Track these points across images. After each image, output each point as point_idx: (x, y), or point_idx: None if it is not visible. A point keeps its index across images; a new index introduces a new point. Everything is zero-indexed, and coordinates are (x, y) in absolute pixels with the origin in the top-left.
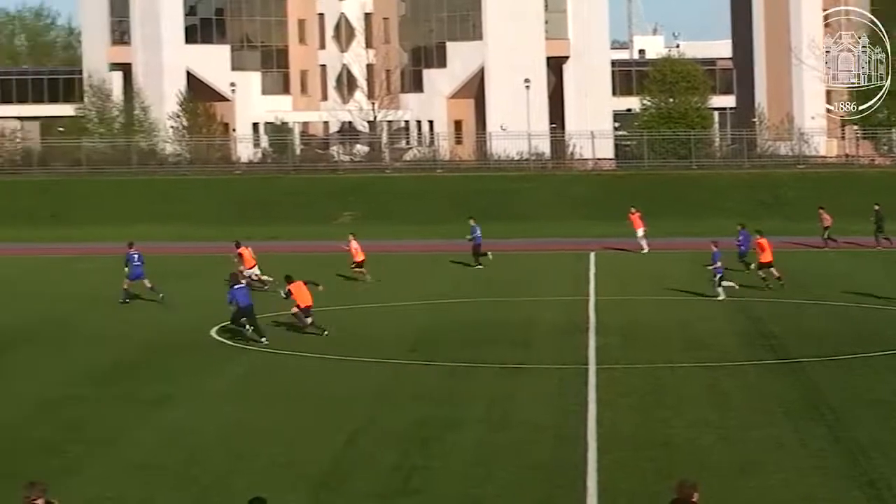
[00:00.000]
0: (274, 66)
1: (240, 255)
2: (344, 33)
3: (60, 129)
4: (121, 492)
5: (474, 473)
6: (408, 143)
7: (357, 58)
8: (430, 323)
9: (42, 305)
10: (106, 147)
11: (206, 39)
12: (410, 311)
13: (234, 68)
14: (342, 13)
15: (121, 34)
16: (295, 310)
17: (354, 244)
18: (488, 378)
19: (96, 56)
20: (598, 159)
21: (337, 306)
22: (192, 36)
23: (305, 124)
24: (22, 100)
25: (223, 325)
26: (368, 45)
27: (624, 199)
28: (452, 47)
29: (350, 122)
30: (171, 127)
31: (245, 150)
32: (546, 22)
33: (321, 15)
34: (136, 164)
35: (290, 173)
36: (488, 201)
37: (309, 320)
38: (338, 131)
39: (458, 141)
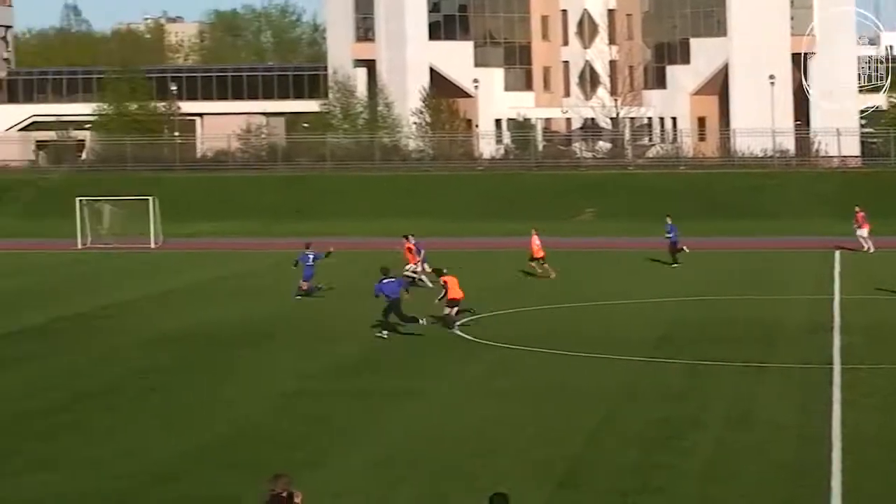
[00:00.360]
0: (517, 63)
1: (408, 249)
2: (587, 29)
3: (305, 124)
4: (363, 486)
5: (716, 473)
6: (650, 140)
7: (600, 54)
8: (673, 320)
9: (288, 299)
10: (350, 143)
11: (450, 36)
12: (655, 309)
13: (476, 65)
14: (585, 9)
15: (365, 31)
16: (443, 303)
17: (536, 241)
18: (731, 376)
19: (341, 52)
20: (844, 157)
21: (583, 303)
22: (435, 32)
23: (548, 121)
24: (268, 96)
25: (466, 320)
26: (611, 41)
27: (870, 197)
28: (696, 43)
29: (592, 119)
30: (415, 123)
31: (487, 147)
32: (791, 18)
33: (564, 11)
34: (380, 159)
35: (532, 170)
36: (732, 199)
37: (455, 310)
38: (580, 128)
39: (702, 138)
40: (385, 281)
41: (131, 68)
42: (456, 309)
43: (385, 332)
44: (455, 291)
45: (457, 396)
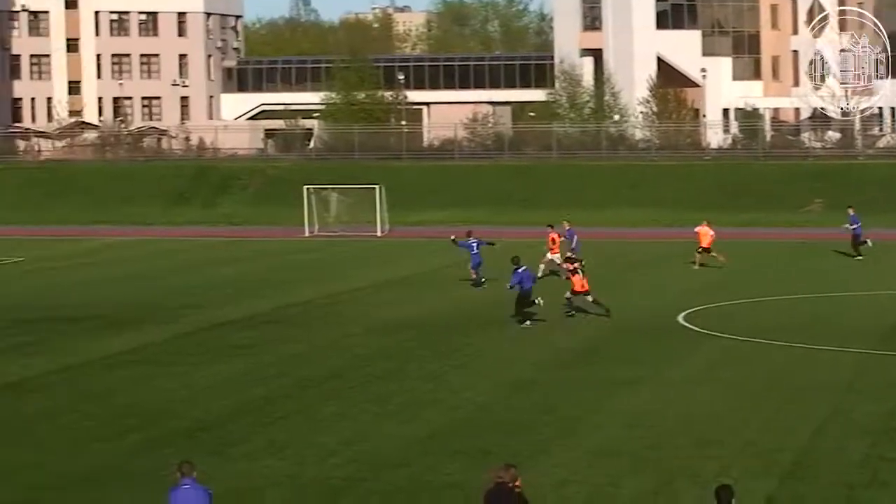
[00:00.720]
0: (745, 52)
1: (552, 239)
2: (817, 18)
3: (531, 113)
4: (587, 475)
5: None
6: (881, 129)
7: (830, 43)
8: None
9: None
10: (576, 132)
11: (678, 25)
12: (880, 301)
13: (704, 54)
14: None
15: (592, 20)
16: (569, 294)
17: (710, 231)
18: None
19: (568, 42)
20: None
21: (808, 294)
22: (663, 22)
23: (776, 110)
24: (494, 85)
25: (690, 311)
26: (842, 29)
27: None
28: None
29: (822, 109)
30: (641, 112)
31: (714, 136)
32: None
33: (794, 0)
34: (606, 149)
35: (760, 159)
36: None
37: (574, 303)
38: (809, 117)
39: None
40: (519, 271)
41: (359, 58)
42: (577, 303)
43: (528, 322)
44: (579, 283)
45: (680, 387)
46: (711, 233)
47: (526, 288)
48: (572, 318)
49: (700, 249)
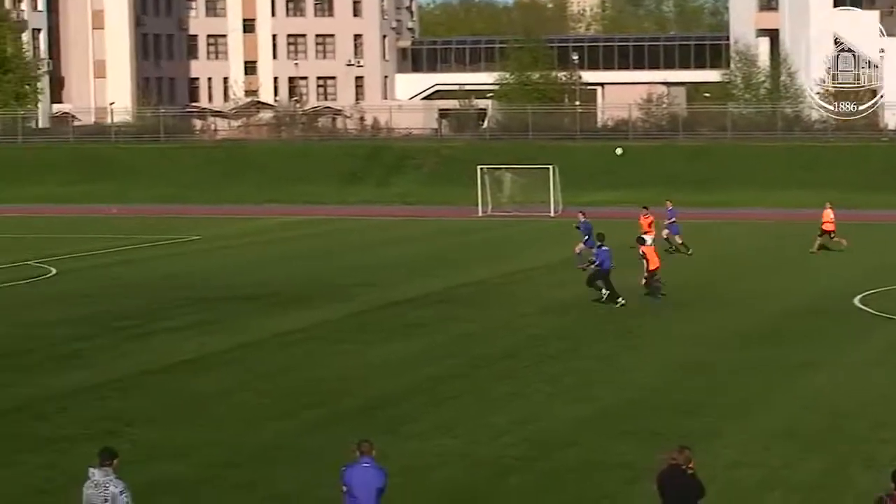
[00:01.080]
0: None
1: (649, 223)
2: None
3: (706, 94)
4: (759, 457)
5: None
6: None
7: None
8: None
9: (690, 269)
10: (751, 113)
11: (855, 4)
12: None
13: (882, 34)
14: None
15: (768, 0)
16: (647, 276)
17: (830, 214)
18: None
19: (743, 22)
20: None
21: None
22: (840, 1)
23: None
24: (669, 65)
25: (867, 293)
26: None
27: None
28: None
29: None
30: (817, 93)
31: (892, 118)
32: None
33: None
34: (781, 130)
35: None
36: None
37: (650, 281)
38: None
39: None
40: (603, 249)
41: (533, 38)
42: (656, 278)
43: (621, 299)
44: (654, 262)
45: (856, 370)
46: (832, 216)
47: (605, 267)
48: (665, 297)
49: (821, 233)
